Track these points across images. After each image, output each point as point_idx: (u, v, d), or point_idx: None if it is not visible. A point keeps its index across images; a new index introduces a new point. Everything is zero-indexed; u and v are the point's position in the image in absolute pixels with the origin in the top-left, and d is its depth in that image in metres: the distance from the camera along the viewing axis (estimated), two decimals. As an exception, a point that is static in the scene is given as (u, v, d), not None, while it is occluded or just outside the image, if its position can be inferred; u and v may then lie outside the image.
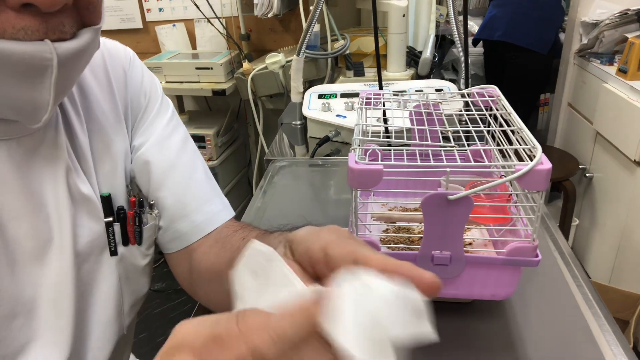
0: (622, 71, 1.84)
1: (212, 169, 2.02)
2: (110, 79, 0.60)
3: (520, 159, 0.52)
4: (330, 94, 1.20)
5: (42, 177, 0.50)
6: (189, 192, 0.63)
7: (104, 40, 0.61)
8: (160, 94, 0.66)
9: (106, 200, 0.56)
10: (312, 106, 1.16)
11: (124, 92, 0.61)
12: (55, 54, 0.41)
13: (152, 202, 0.61)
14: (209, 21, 2.10)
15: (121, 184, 0.59)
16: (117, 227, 0.57)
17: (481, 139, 0.63)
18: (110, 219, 0.56)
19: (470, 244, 0.63)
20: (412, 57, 1.58)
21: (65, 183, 0.51)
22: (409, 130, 0.63)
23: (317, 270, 0.32)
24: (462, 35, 1.03)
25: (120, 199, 0.59)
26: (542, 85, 2.60)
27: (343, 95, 1.19)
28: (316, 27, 1.57)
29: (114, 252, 0.57)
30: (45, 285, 0.50)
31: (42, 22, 0.40)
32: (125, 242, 0.59)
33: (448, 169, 0.50)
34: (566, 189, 2.03)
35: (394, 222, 0.67)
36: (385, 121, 0.78)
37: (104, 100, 0.59)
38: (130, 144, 0.62)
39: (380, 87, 1.04)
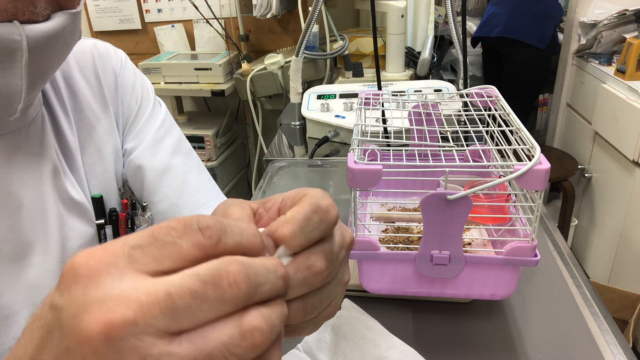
0: (620, 71, 1.85)
1: (211, 169, 2.03)
2: (100, 80, 0.58)
3: (519, 159, 0.52)
4: (329, 95, 1.20)
5: (24, 177, 0.48)
6: (183, 195, 0.62)
7: (95, 42, 0.60)
8: (152, 96, 0.64)
9: (98, 202, 0.55)
10: (311, 107, 1.16)
11: (114, 94, 0.60)
12: (25, 36, 0.38)
13: (144, 204, 0.60)
14: (207, 22, 2.10)
15: (113, 185, 0.58)
16: (109, 229, 0.56)
17: (480, 139, 0.63)
18: (102, 221, 0.55)
19: (469, 243, 0.63)
20: (411, 57, 1.58)
21: (52, 184, 0.50)
22: (407, 131, 0.63)
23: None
24: (461, 36, 1.03)
25: (112, 201, 0.57)
26: (541, 81, 2.60)
27: (342, 96, 1.19)
28: (315, 28, 1.57)
29: None
30: (25, 289, 0.47)
31: (10, 1, 0.37)
32: None
33: (447, 169, 0.50)
34: (565, 189, 2.03)
35: (393, 222, 0.67)
36: (384, 121, 0.79)
37: (94, 101, 0.57)
38: (122, 147, 0.60)
39: (379, 88, 1.03)
